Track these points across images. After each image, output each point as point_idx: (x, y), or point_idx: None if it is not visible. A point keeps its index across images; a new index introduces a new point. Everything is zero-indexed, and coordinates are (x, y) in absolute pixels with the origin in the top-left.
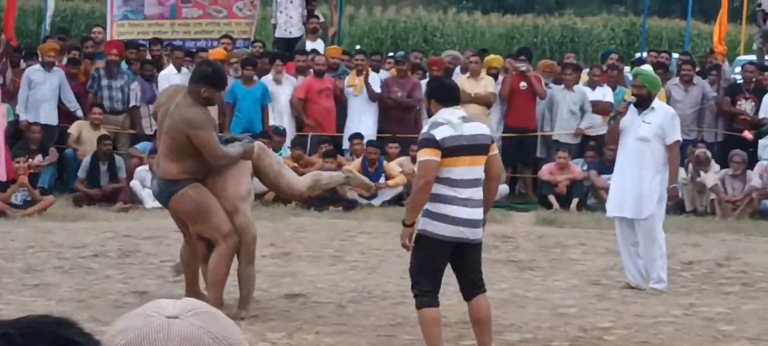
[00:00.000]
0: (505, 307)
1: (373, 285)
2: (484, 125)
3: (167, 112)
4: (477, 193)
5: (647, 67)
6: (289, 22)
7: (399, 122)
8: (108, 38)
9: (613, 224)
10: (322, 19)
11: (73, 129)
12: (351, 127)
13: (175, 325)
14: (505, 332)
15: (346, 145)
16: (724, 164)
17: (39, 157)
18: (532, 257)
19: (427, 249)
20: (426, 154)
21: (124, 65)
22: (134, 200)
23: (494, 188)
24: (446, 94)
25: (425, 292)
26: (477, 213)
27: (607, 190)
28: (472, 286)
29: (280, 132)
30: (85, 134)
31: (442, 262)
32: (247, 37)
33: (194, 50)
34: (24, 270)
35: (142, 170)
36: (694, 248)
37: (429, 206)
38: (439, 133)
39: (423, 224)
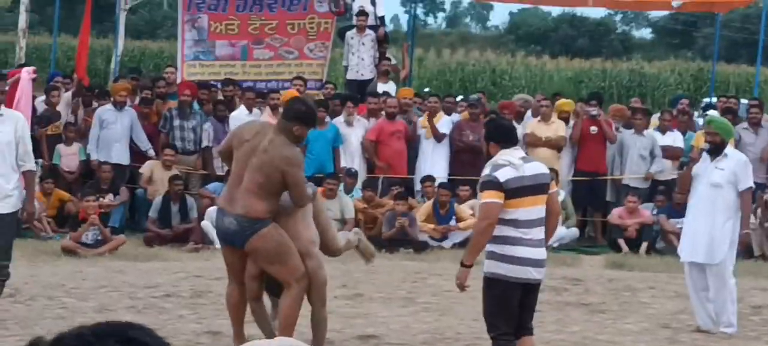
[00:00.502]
0: None
1: (445, 327)
2: (543, 164)
3: (255, 148)
4: (540, 232)
5: (716, 113)
6: (360, 64)
7: (470, 165)
8: (179, 79)
9: (682, 268)
10: (393, 62)
11: (144, 169)
12: (422, 169)
13: None
14: None
15: (417, 186)
16: None
17: (110, 197)
18: (602, 300)
19: (499, 292)
20: (488, 196)
21: (195, 106)
22: (205, 241)
23: (554, 224)
24: (505, 136)
25: (502, 335)
26: (542, 253)
27: (676, 234)
28: (522, 326)
29: (352, 174)
30: (156, 174)
31: (514, 303)
32: (318, 78)
33: (265, 91)
34: (96, 310)
35: (213, 211)
36: (764, 293)
37: (496, 248)
38: (502, 175)
39: (492, 267)
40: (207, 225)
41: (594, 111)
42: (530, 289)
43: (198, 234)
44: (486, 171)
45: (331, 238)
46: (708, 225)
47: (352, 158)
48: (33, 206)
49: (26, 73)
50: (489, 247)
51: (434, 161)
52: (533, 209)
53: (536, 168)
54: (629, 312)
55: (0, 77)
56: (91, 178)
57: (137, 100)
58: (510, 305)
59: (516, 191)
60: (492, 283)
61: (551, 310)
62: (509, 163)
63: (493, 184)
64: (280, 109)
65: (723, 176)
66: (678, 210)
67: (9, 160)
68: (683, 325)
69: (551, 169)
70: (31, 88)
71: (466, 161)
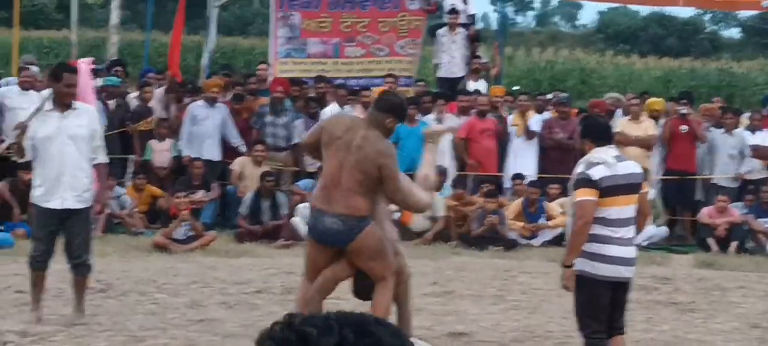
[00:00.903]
0: None
1: (536, 325)
2: (636, 163)
3: (349, 145)
4: (630, 231)
5: None
6: (452, 62)
7: (559, 163)
8: (271, 76)
9: None
10: (484, 60)
11: (235, 165)
12: (512, 167)
13: None
14: None
15: (506, 184)
16: None
17: (201, 193)
18: (691, 299)
19: (588, 290)
20: (583, 194)
21: (288, 102)
22: (295, 237)
23: (642, 224)
24: (600, 134)
25: (594, 333)
26: (631, 251)
27: (765, 234)
28: (613, 325)
29: (442, 171)
30: (247, 171)
31: (605, 301)
32: (409, 75)
33: (357, 88)
34: (188, 305)
35: (303, 207)
36: None
37: (587, 246)
38: (596, 173)
39: (581, 265)
40: (297, 221)
41: (684, 110)
42: (620, 287)
43: (288, 230)
44: (579, 169)
45: (416, 199)
46: None
47: (442, 156)
48: (104, 198)
49: (84, 65)
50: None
51: (524, 159)
52: (625, 207)
53: (629, 167)
54: (719, 311)
55: (71, 71)
56: (182, 174)
57: (229, 96)
58: (600, 304)
59: (609, 189)
60: (582, 281)
61: (641, 309)
62: (603, 162)
63: (587, 182)
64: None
65: None
66: (766, 209)
67: (86, 154)
68: None
69: (642, 169)
70: (91, 79)
71: (555, 159)
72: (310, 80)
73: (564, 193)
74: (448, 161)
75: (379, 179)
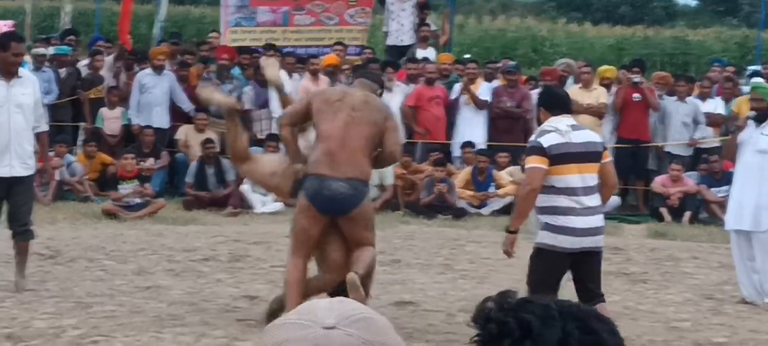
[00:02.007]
0: (618, 320)
1: (483, 294)
2: (594, 133)
3: (351, 104)
4: (593, 200)
5: (761, 80)
6: (400, 29)
7: (508, 132)
8: (223, 43)
9: (726, 238)
10: (434, 28)
11: (180, 133)
12: (461, 135)
13: (334, 338)
14: None
15: (455, 153)
16: None
17: (151, 161)
18: (644, 270)
19: (548, 262)
20: (533, 162)
21: (237, 70)
22: (243, 205)
23: (607, 196)
24: (555, 103)
25: None
26: (595, 221)
27: (718, 204)
28: (591, 295)
29: None
30: (190, 138)
31: (561, 274)
32: (359, 43)
33: (305, 57)
34: (135, 272)
35: None
36: None
37: (550, 219)
38: (546, 141)
39: (543, 237)
40: (246, 189)
41: (637, 78)
42: (588, 257)
43: (236, 198)
44: (532, 137)
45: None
46: (755, 192)
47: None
48: (47, 166)
49: (4, 26)
50: (543, 218)
51: (473, 127)
52: (582, 176)
53: (586, 136)
54: (672, 282)
55: (19, 40)
56: (133, 142)
57: (177, 64)
58: (556, 276)
59: (561, 156)
60: (541, 252)
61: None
62: (555, 130)
63: (537, 149)
64: (321, 75)
65: None
66: (718, 179)
67: (31, 122)
68: (727, 296)
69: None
70: None
71: (504, 128)
72: (260, 49)
73: (513, 161)
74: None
75: (381, 135)
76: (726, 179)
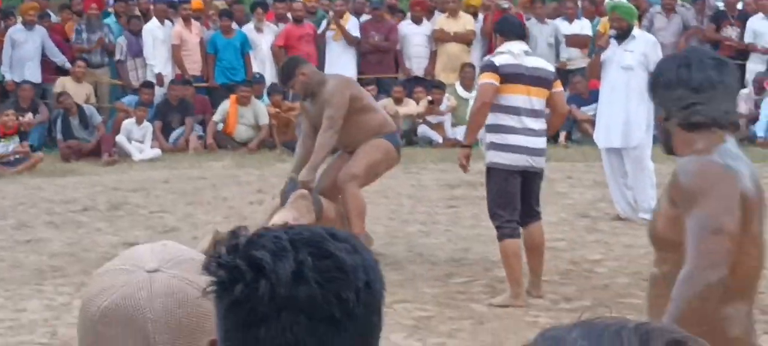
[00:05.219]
0: (493, 243)
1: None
2: (546, 62)
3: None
4: (539, 123)
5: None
6: None
7: (378, 65)
8: None
9: (599, 157)
10: None
11: (57, 86)
12: (331, 70)
13: (157, 280)
14: (494, 268)
15: None
16: None
17: (29, 115)
18: None
19: (500, 180)
20: (484, 78)
21: (112, 19)
22: (121, 154)
23: (557, 123)
24: (510, 29)
25: (506, 222)
26: (540, 142)
27: (590, 122)
28: (529, 213)
29: (257, 79)
30: (69, 88)
31: (515, 190)
32: None
33: (177, 2)
34: (15, 227)
35: (128, 123)
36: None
37: (495, 138)
38: (498, 60)
39: (492, 156)
40: (122, 139)
41: (504, 4)
42: (531, 176)
43: (109, 144)
44: (486, 57)
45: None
46: (622, 109)
47: (263, 64)
48: None
49: None
50: (488, 137)
51: (343, 63)
52: (531, 98)
53: (538, 62)
54: (546, 203)
55: None
56: (7, 98)
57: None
58: (511, 193)
59: (512, 76)
60: (492, 172)
61: (467, 205)
62: (508, 52)
63: (489, 66)
64: (192, 19)
65: (633, 57)
66: (585, 99)
67: None
68: (602, 213)
69: (465, 65)
70: None
71: (373, 61)
72: None
73: (382, 93)
74: (268, 69)
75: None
76: (593, 97)
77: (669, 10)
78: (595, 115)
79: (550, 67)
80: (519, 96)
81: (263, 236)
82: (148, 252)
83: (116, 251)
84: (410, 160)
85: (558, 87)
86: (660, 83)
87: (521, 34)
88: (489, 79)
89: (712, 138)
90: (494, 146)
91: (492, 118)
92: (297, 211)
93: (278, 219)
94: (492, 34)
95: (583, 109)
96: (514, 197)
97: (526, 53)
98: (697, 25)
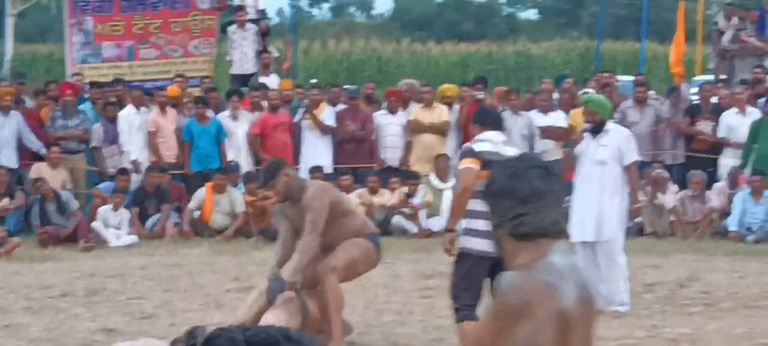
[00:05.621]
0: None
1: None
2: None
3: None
4: None
5: (592, 92)
6: (244, 58)
7: (354, 154)
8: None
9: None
10: (276, 54)
11: (33, 172)
12: (307, 159)
13: None
14: None
15: (304, 177)
16: (685, 186)
17: (6, 200)
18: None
19: (468, 265)
20: (465, 163)
21: (88, 105)
22: (98, 240)
23: None
24: (488, 120)
25: (466, 305)
26: None
27: None
28: None
29: (233, 167)
30: (45, 174)
31: (482, 276)
32: (205, 75)
33: (152, 90)
34: None
35: (104, 210)
36: (656, 270)
37: (470, 223)
38: (478, 147)
39: (465, 242)
40: (98, 225)
41: (480, 95)
42: (500, 264)
43: (85, 230)
44: (465, 145)
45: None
46: (595, 203)
47: (238, 152)
48: None
49: None
50: (464, 223)
51: (319, 152)
52: None
53: (516, 153)
54: None
55: None
56: None
57: (26, 102)
58: (477, 279)
59: (491, 163)
60: (462, 256)
61: (442, 295)
62: (488, 140)
63: (469, 152)
64: (167, 107)
65: (606, 152)
66: None
67: None
68: None
69: (440, 155)
70: None
71: (349, 150)
72: (109, 84)
73: (356, 183)
74: (244, 157)
75: None
76: (568, 189)
77: (641, 102)
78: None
79: None
80: None
81: (220, 337)
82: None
83: (95, 337)
84: (385, 251)
85: None
86: (491, 192)
87: (499, 125)
88: (470, 163)
89: (538, 250)
90: (470, 232)
91: (469, 204)
92: (287, 313)
93: (270, 320)
94: (467, 125)
95: None
96: (479, 284)
97: (504, 143)
98: (670, 118)
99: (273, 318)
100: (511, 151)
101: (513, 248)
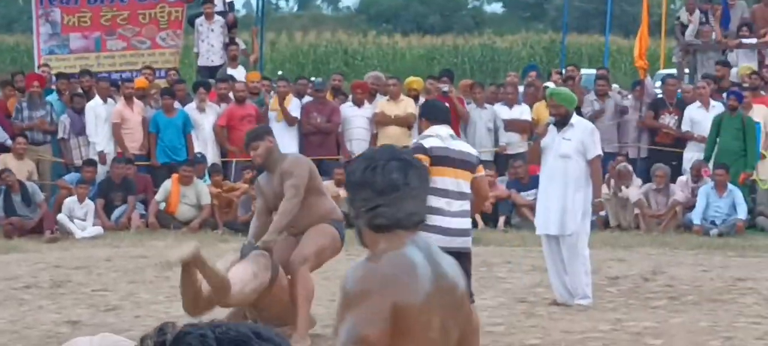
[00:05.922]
0: None
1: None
2: (470, 146)
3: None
4: (464, 205)
5: (552, 85)
6: (210, 50)
7: (319, 146)
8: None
9: (538, 242)
10: (243, 46)
11: None
12: None
13: None
14: None
15: None
16: (649, 179)
17: None
18: None
19: None
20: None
21: (54, 96)
22: (63, 232)
23: (479, 207)
24: (436, 114)
25: None
26: (465, 223)
27: (529, 207)
28: None
29: (199, 159)
30: (11, 165)
31: None
32: (172, 66)
33: (119, 82)
34: None
35: (70, 202)
36: (620, 263)
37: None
38: (427, 143)
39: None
40: (63, 217)
41: (445, 88)
42: (458, 258)
43: (51, 221)
44: (413, 140)
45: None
46: (559, 197)
47: (205, 144)
48: None
49: None
50: None
51: (285, 144)
52: (457, 181)
53: (463, 146)
54: (485, 287)
55: None
56: None
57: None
58: None
59: (440, 159)
60: None
61: None
62: (436, 135)
63: (419, 148)
64: (135, 99)
65: (570, 146)
66: (525, 183)
67: None
68: (540, 298)
69: (404, 146)
70: None
71: (315, 143)
72: (75, 75)
73: (323, 175)
74: (210, 148)
75: None
76: (533, 182)
77: (602, 96)
78: (535, 200)
79: (474, 152)
80: (447, 179)
81: (190, 334)
82: (87, 344)
83: (59, 329)
84: (350, 243)
85: (481, 172)
86: (350, 183)
87: (447, 119)
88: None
89: (393, 241)
90: (425, 228)
91: None
92: (257, 265)
93: (238, 270)
94: None
95: (523, 194)
96: None
97: (452, 137)
98: (637, 111)
99: (242, 269)
100: (458, 145)
101: (372, 239)
